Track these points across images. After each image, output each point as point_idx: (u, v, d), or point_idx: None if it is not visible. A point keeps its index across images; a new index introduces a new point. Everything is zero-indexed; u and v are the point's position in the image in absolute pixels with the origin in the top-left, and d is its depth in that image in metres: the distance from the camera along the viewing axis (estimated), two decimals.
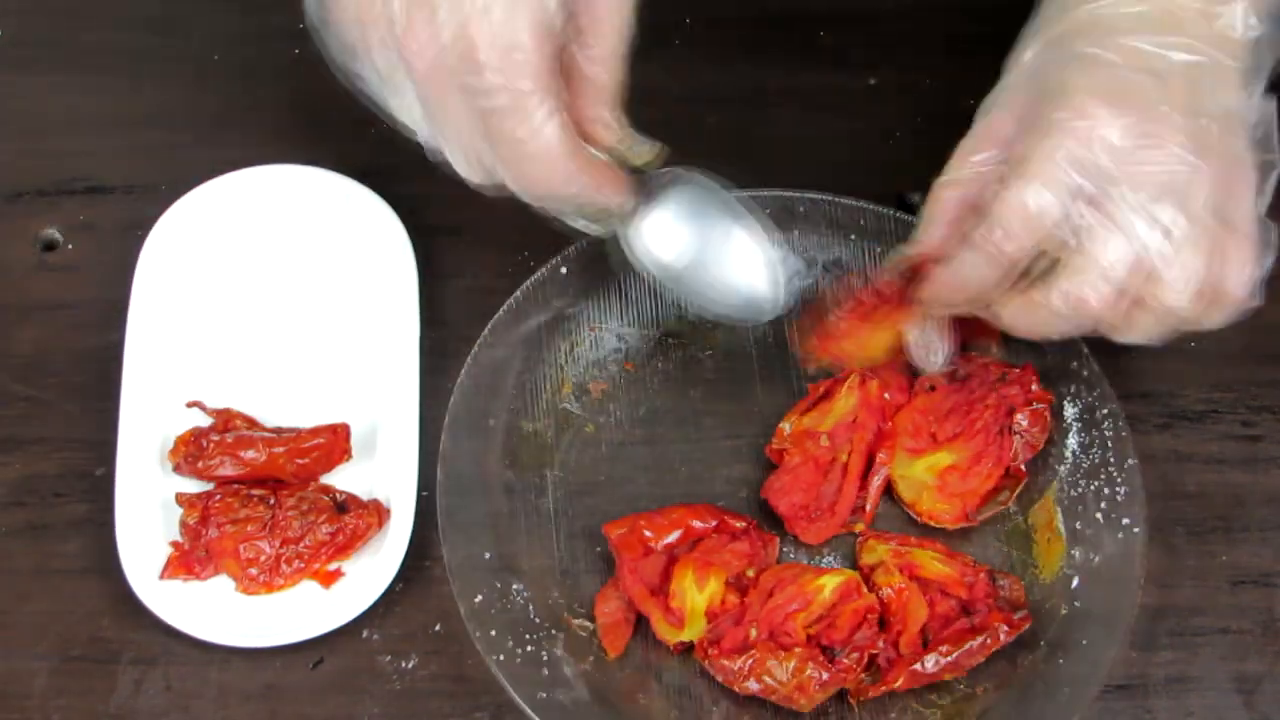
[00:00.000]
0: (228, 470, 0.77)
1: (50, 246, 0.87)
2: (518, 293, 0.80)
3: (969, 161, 0.70)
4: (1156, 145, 0.65)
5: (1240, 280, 0.67)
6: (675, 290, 0.75)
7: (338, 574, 0.76)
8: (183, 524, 0.76)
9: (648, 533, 0.75)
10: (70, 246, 0.87)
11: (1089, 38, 0.67)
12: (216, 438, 0.78)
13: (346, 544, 0.76)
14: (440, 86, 0.63)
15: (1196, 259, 0.65)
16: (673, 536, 0.75)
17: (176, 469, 0.78)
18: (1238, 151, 0.67)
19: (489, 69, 0.61)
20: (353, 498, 0.77)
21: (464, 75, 0.62)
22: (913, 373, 0.81)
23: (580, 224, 0.72)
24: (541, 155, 0.64)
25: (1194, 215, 0.65)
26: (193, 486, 0.78)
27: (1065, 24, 0.69)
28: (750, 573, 0.75)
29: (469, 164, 0.66)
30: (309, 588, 0.76)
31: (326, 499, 0.77)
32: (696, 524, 0.76)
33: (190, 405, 0.80)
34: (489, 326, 0.80)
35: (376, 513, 0.76)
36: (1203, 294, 0.66)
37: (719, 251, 0.75)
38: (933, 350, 0.76)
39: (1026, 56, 0.70)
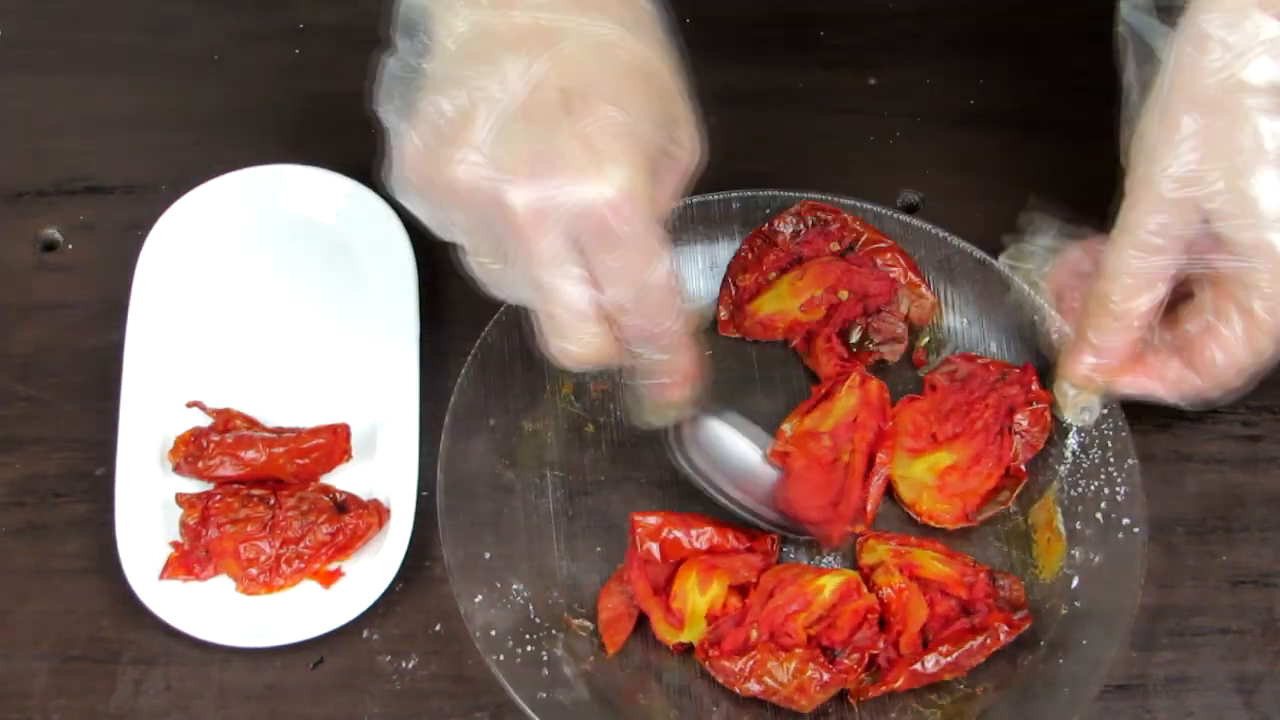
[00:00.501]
0: (228, 470, 0.77)
1: (50, 246, 0.87)
2: None
3: (1142, 264, 0.70)
4: None
5: None
6: (710, 490, 0.76)
7: (338, 574, 0.76)
8: (183, 524, 0.76)
9: (673, 534, 0.75)
10: (70, 246, 0.87)
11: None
12: (216, 438, 0.78)
13: (346, 544, 0.76)
14: (542, 248, 0.64)
15: None
16: (698, 544, 0.75)
17: (176, 469, 0.78)
18: None
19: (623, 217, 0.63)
20: (353, 498, 0.77)
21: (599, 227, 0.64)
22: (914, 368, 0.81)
23: (643, 412, 0.73)
24: (659, 296, 0.66)
25: None
26: (193, 486, 0.78)
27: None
28: (753, 577, 0.75)
29: (577, 318, 0.66)
30: (309, 588, 0.76)
31: (326, 499, 0.77)
32: (724, 542, 0.76)
33: (190, 405, 0.80)
34: (489, 326, 0.80)
35: (376, 513, 0.76)
36: None
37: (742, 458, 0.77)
38: (1090, 408, 0.77)
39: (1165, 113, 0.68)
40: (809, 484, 0.77)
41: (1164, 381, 0.74)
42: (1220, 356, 0.71)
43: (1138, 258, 0.70)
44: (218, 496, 0.76)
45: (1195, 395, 0.74)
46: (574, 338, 0.67)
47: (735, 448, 0.77)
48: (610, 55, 0.64)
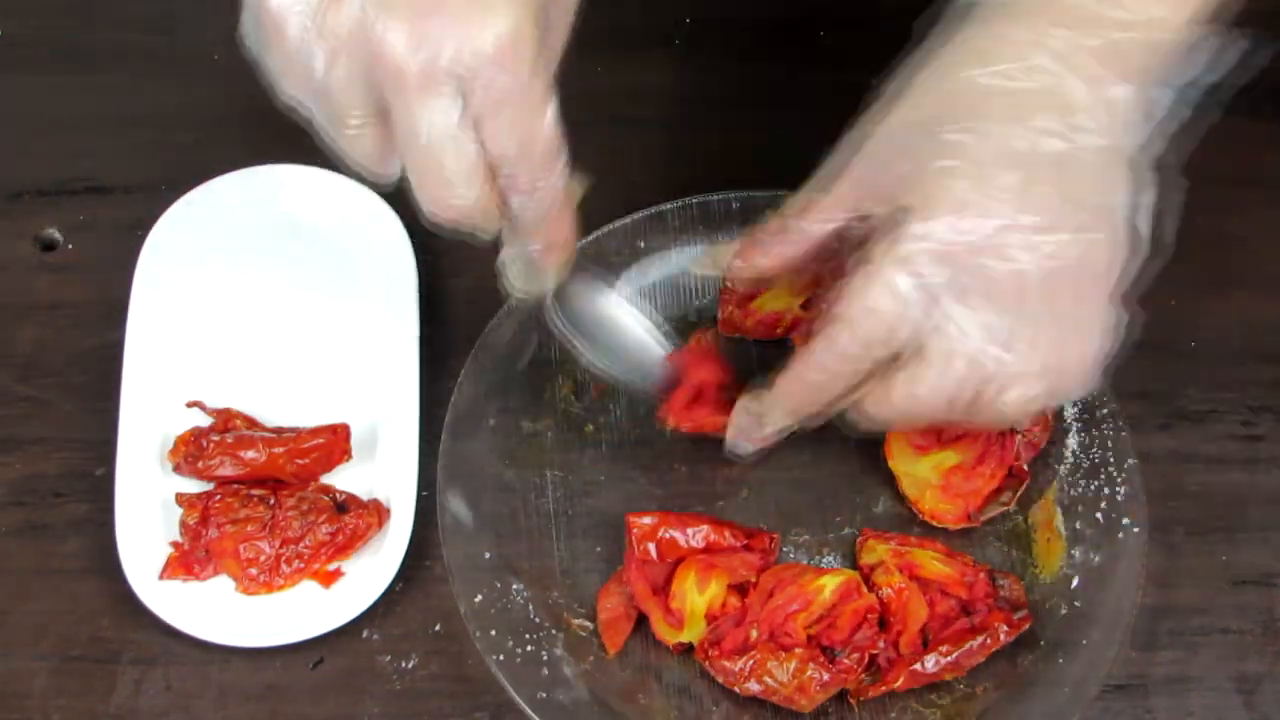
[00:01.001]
0: (227, 470, 0.77)
1: (50, 246, 0.87)
2: None
3: (817, 217, 0.70)
4: (998, 255, 0.64)
5: (1077, 379, 0.68)
6: (583, 354, 0.75)
7: (337, 574, 0.76)
8: (183, 524, 0.76)
9: (669, 533, 0.75)
10: (70, 246, 0.87)
11: (960, 120, 0.65)
12: (216, 438, 0.78)
13: (346, 544, 0.76)
14: (425, 96, 0.61)
15: (1032, 367, 0.66)
16: (694, 543, 0.75)
17: (176, 469, 0.78)
18: (1098, 246, 0.65)
19: (496, 65, 0.61)
20: (353, 498, 0.77)
21: (465, 76, 0.61)
22: None
23: (517, 280, 0.71)
24: (544, 148, 0.64)
25: (1033, 320, 0.65)
26: (193, 486, 0.78)
27: (942, 92, 0.67)
28: (752, 576, 0.75)
29: (453, 183, 0.64)
30: (309, 588, 0.76)
31: (326, 499, 0.77)
32: (720, 539, 0.75)
33: (190, 405, 0.80)
34: (489, 326, 0.80)
35: (376, 513, 0.76)
36: (1036, 398, 0.67)
37: (620, 327, 0.76)
38: (750, 434, 0.74)
39: (894, 118, 0.68)
40: (707, 367, 0.77)
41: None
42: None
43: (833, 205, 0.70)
44: (218, 496, 0.76)
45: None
46: (456, 192, 0.63)
47: (618, 316, 0.76)
48: None
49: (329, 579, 0.76)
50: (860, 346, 0.67)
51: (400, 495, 0.77)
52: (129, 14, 0.95)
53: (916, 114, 0.67)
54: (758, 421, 0.73)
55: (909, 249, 0.65)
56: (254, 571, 0.75)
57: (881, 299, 0.65)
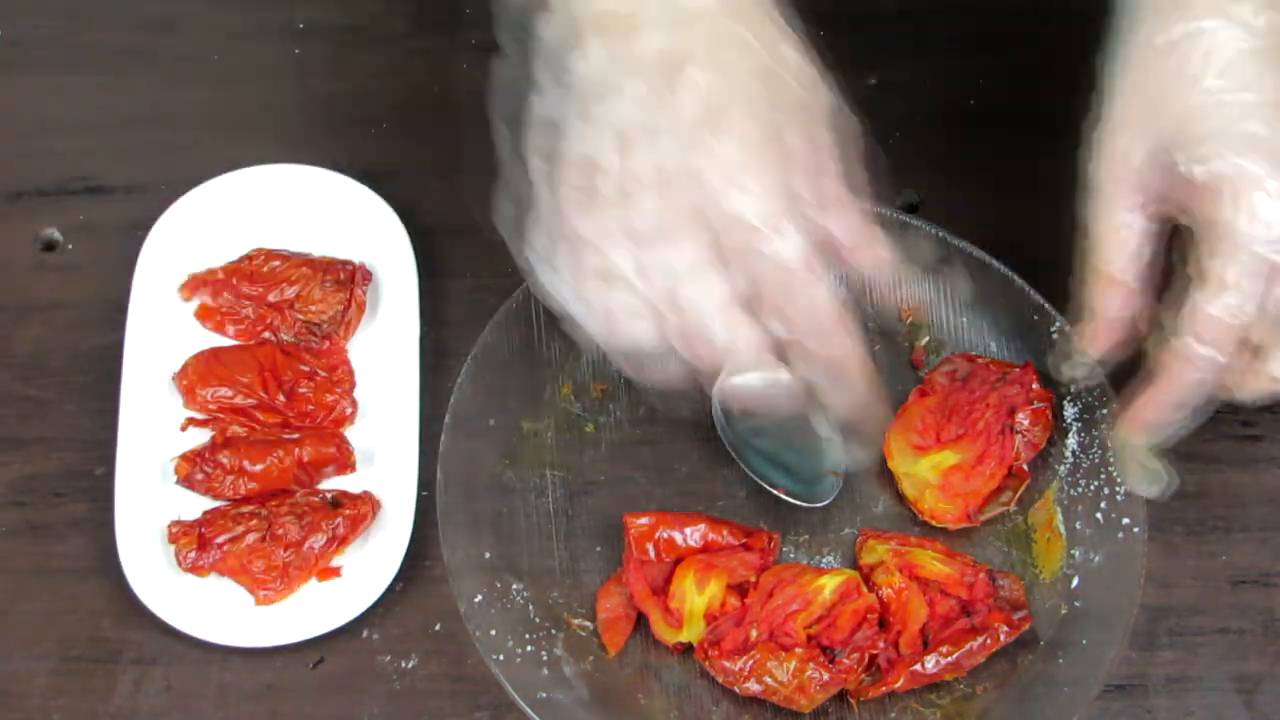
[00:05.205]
0: (240, 489, 0.77)
1: (50, 246, 0.87)
2: (518, 292, 0.80)
3: (1118, 240, 0.70)
4: None
5: None
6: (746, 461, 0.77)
7: (335, 571, 0.76)
8: (180, 554, 0.75)
9: (667, 533, 0.75)
10: (70, 246, 0.87)
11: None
12: (225, 460, 0.77)
13: (348, 533, 0.76)
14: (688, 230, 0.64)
15: None
16: (692, 543, 0.75)
17: (186, 484, 0.77)
18: None
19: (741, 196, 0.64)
20: (342, 493, 0.77)
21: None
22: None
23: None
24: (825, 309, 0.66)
25: None
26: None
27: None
28: (751, 576, 0.75)
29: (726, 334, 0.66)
30: (309, 587, 0.76)
31: (318, 499, 0.77)
32: (718, 538, 0.76)
33: (185, 428, 0.79)
34: (489, 326, 0.80)
35: (369, 502, 0.76)
36: None
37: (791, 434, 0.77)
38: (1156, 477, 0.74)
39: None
40: None
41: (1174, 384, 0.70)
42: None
43: (1109, 212, 0.70)
44: (204, 527, 0.76)
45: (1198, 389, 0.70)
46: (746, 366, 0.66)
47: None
48: (743, 65, 0.66)
49: (326, 574, 0.76)
50: (1219, 352, 0.68)
51: (400, 495, 0.77)
52: (129, 14, 0.95)
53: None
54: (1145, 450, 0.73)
55: (1249, 242, 0.65)
56: (267, 580, 0.75)
57: (1233, 302, 0.66)
